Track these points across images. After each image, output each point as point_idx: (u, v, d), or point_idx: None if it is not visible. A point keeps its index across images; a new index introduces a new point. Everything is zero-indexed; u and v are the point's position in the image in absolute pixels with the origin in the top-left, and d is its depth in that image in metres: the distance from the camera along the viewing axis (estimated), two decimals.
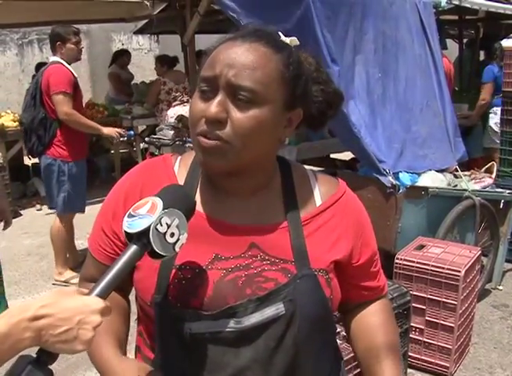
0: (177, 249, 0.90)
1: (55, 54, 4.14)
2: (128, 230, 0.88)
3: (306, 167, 1.17)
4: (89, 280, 1.15)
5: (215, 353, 0.98)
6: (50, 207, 4.41)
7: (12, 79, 9.49)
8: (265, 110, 0.94)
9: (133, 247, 0.88)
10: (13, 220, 5.78)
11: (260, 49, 0.95)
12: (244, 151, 0.96)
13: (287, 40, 1.04)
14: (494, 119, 5.90)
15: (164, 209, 0.88)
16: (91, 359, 1.04)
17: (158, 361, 1.04)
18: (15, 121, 6.26)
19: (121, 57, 8.07)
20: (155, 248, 0.87)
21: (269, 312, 0.97)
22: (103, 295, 0.85)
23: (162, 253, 0.88)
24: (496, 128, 5.87)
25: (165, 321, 0.99)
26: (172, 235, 0.89)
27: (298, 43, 1.05)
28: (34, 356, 0.80)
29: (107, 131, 4.32)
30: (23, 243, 5.18)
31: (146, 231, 0.87)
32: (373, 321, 1.16)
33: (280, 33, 1.06)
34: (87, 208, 6.11)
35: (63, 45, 4.09)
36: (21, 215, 6.05)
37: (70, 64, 4.15)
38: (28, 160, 7.62)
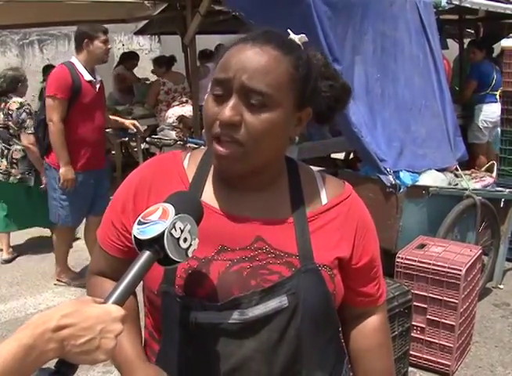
0: (189, 254, 0.89)
1: (78, 54, 3.86)
2: (141, 237, 0.86)
3: (313, 168, 1.19)
4: (98, 273, 1.17)
5: (219, 343, 1.00)
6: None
7: None
8: (278, 112, 0.97)
9: (146, 254, 0.86)
10: None
11: (270, 52, 0.97)
12: (258, 152, 0.98)
13: (296, 38, 1.06)
14: (479, 116, 6.01)
15: (176, 214, 0.87)
16: (112, 358, 1.04)
17: (163, 350, 1.06)
18: None
19: (130, 60, 7.99)
20: (169, 254, 0.86)
21: (273, 304, 0.99)
22: (120, 303, 0.83)
23: (175, 258, 0.87)
24: (481, 125, 6.00)
25: (171, 310, 1.01)
26: (185, 240, 0.88)
27: (307, 40, 1.07)
28: (53, 368, 0.77)
29: (63, 171, 3.78)
30: (24, 243, 5.18)
31: (159, 237, 0.85)
32: (370, 347, 1.19)
33: (289, 31, 1.07)
34: None
35: (91, 43, 3.81)
36: None
37: (94, 65, 3.90)
38: None
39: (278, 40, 1.00)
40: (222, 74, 0.98)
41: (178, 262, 0.88)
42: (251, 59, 0.96)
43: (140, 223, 0.88)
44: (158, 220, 0.87)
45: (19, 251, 4.96)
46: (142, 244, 0.87)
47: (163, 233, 0.85)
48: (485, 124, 6.06)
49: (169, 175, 1.09)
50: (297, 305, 1.00)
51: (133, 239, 0.88)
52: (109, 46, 3.94)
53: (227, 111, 0.95)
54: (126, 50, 9.30)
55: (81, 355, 0.77)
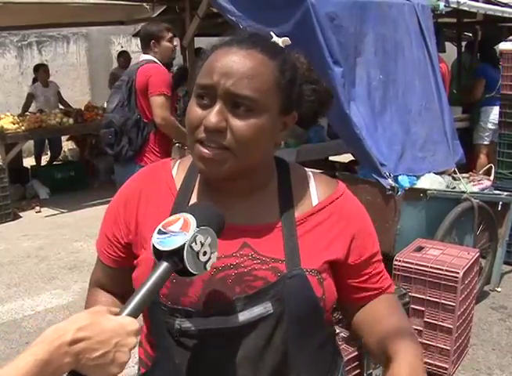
0: (208, 268, 0.87)
1: (147, 53, 3.82)
2: (161, 248, 0.85)
3: (306, 169, 1.17)
4: (96, 283, 1.19)
5: (205, 350, 0.99)
6: None
7: (11, 82, 9.49)
8: (264, 117, 0.96)
9: (164, 265, 0.85)
10: (12, 222, 5.83)
11: (256, 56, 0.96)
12: (244, 157, 0.97)
13: (279, 40, 1.05)
14: (486, 117, 6.05)
15: (197, 226, 0.86)
16: None
17: (156, 356, 1.06)
18: (14, 124, 6.28)
19: (118, 58, 8.11)
20: (188, 267, 0.84)
21: (258, 310, 0.98)
22: (135, 314, 0.83)
23: (193, 272, 0.85)
24: (486, 126, 6.02)
25: (157, 318, 1.01)
26: (205, 254, 0.86)
27: (290, 43, 1.06)
28: None
29: None
30: (23, 245, 5.18)
31: (179, 249, 0.84)
32: (381, 311, 1.10)
33: (272, 33, 1.06)
34: (86, 210, 6.18)
35: (158, 44, 3.80)
36: (20, 217, 6.07)
37: (163, 63, 3.87)
38: (27, 163, 7.66)
39: (263, 44, 0.99)
40: (206, 78, 0.96)
41: (195, 275, 0.87)
42: (236, 63, 0.95)
43: (160, 232, 0.86)
44: (179, 231, 0.85)
45: (17, 252, 4.96)
46: (160, 255, 0.86)
47: (183, 245, 0.84)
48: (490, 126, 6.08)
49: (158, 185, 1.09)
50: (283, 311, 0.98)
51: (152, 248, 0.86)
52: (175, 44, 3.95)
53: (212, 117, 0.94)
54: None
55: (94, 368, 0.77)
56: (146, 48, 3.84)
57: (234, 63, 0.95)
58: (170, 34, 3.86)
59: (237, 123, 0.94)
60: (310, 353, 1.04)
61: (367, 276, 1.12)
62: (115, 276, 1.15)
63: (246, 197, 1.06)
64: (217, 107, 0.94)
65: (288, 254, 1.01)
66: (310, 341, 1.04)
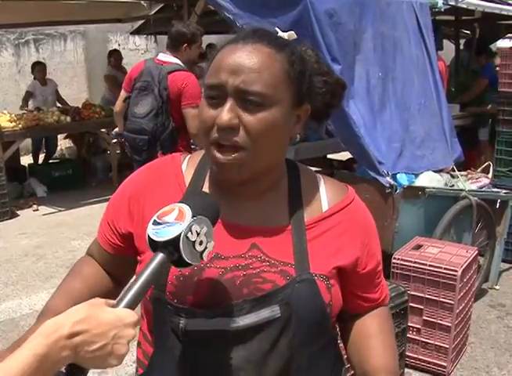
0: (204, 258, 0.87)
1: (175, 53, 3.74)
2: (156, 238, 0.84)
3: (314, 169, 1.16)
4: (91, 255, 1.21)
5: (209, 351, 0.97)
6: None
7: (8, 80, 9.45)
8: (276, 111, 0.95)
9: (160, 256, 0.85)
10: (10, 221, 5.81)
11: (263, 50, 0.95)
12: (259, 155, 0.96)
13: (285, 35, 1.04)
14: None
15: (192, 216, 0.85)
16: None
17: (156, 355, 1.04)
18: (11, 122, 6.25)
19: (109, 58, 7.97)
20: (184, 257, 0.84)
21: (264, 313, 0.96)
22: (132, 306, 0.82)
23: (190, 261, 0.85)
24: None
25: (162, 317, 0.99)
26: (201, 243, 0.85)
27: (296, 37, 1.05)
28: (64, 372, 0.78)
29: None
30: (20, 243, 5.17)
31: (175, 239, 0.83)
32: (370, 329, 1.12)
33: (277, 29, 1.05)
34: (83, 209, 6.17)
35: (189, 48, 3.73)
36: (18, 215, 6.06)
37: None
38: (25, 161, 7.64)
39: (269, 37, 0.98)
40: (215, 78, 0.95)
41: (192, 265, 0.87)
42: (243, 59, 0.93)
43: (155, 223, 0.86)
44: (174, 221, 0.85)
45: (14, 251, 4.95)
46: (156, 245, 0.85)
47: (179, 235, 0.83)
48: None
49: (166, 179, 1.07)
50: (290, 315, 0.96)
51: (147, 239, 0.86)
52: (202, 49, 3.91)
53: (224, 115, 0.93)
54: (122, 50, 9.28)
55: (93, 360, 0.78)
56: (174, 49, 3.74)
57: (241, 60, 0.93)
58: (201, 40, 3.81)
59: (249, 118, 0.93)
60: (313, 359, 1.03)
61: (369, 286, 1.12)
62: (109, 261, 1.15)
63: (257, 198, 1.04)
64: (228, 105, 0.93)
65: (297, 259, 1.00)
66: (314, 347, 1.03)
